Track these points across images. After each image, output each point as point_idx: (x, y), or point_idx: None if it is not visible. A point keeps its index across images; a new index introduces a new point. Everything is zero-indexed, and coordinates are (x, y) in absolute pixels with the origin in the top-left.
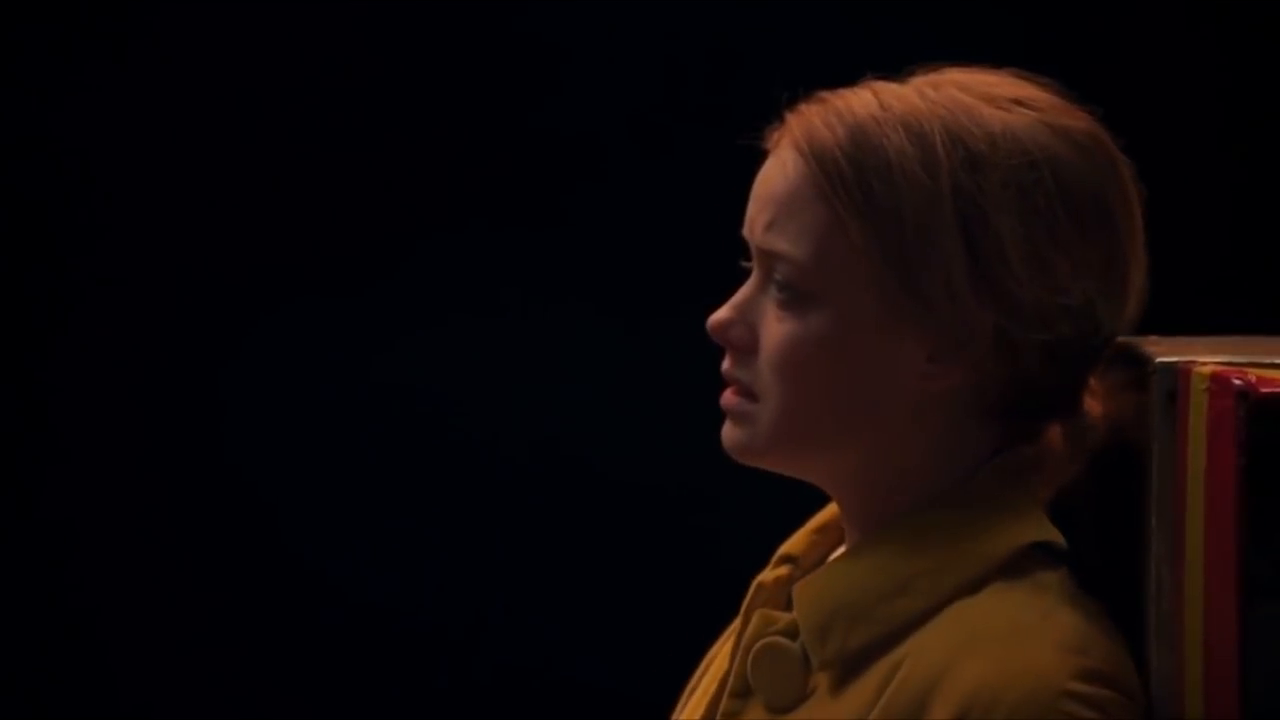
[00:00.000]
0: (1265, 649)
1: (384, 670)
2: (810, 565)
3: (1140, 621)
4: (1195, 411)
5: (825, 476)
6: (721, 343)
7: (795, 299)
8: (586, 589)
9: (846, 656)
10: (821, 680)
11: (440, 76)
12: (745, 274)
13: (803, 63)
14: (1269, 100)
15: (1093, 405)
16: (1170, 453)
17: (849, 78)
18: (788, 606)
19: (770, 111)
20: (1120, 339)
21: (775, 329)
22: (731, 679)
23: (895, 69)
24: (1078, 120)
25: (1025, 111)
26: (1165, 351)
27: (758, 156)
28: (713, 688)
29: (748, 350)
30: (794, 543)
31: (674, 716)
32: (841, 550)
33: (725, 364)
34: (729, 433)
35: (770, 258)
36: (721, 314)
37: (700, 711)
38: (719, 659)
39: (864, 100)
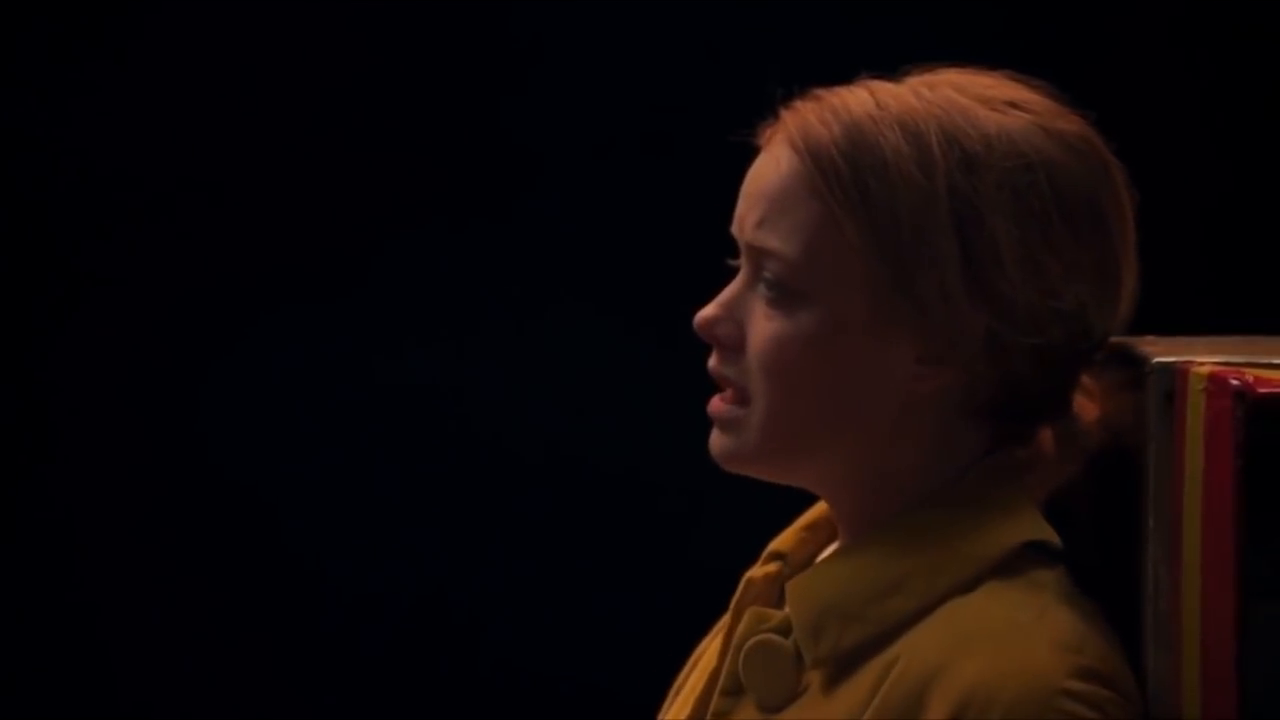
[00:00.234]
0: (1263, 650)
1: (381, 668)
2: (800, 562)
3: (1138, 622)
4: (1193, 412)
5: (815, 480)
6: (708, 340)
7: (785, 297)
8: (575, 586)
9: (840, 655)
10: (814, 679)
11: (432, 76)
12: (731, 272)
13: (796, 60)
14: (1263, 101)
15: (1087, 406)
16: (1168, 453)
17: (842, 76)
18: (778, 603)
19: (762, 108)
20: (1117, 339)
21: (763, 327)
22: (723, 677)
23: (889, 68)
24: (1072, 124)
25: (1020, 114)
26: (1162, 351)
27: (747, 153)
28: (701, 685)
29: (735, 348)
30: (784, 539)
31: (661, 714)
32: (833, 548)
33: (712, 361)
34: (717, 440)
35: (760, 255)
36: (709, 311)
37: (689, 709)
38: (707, 656)
39: (860, 98)
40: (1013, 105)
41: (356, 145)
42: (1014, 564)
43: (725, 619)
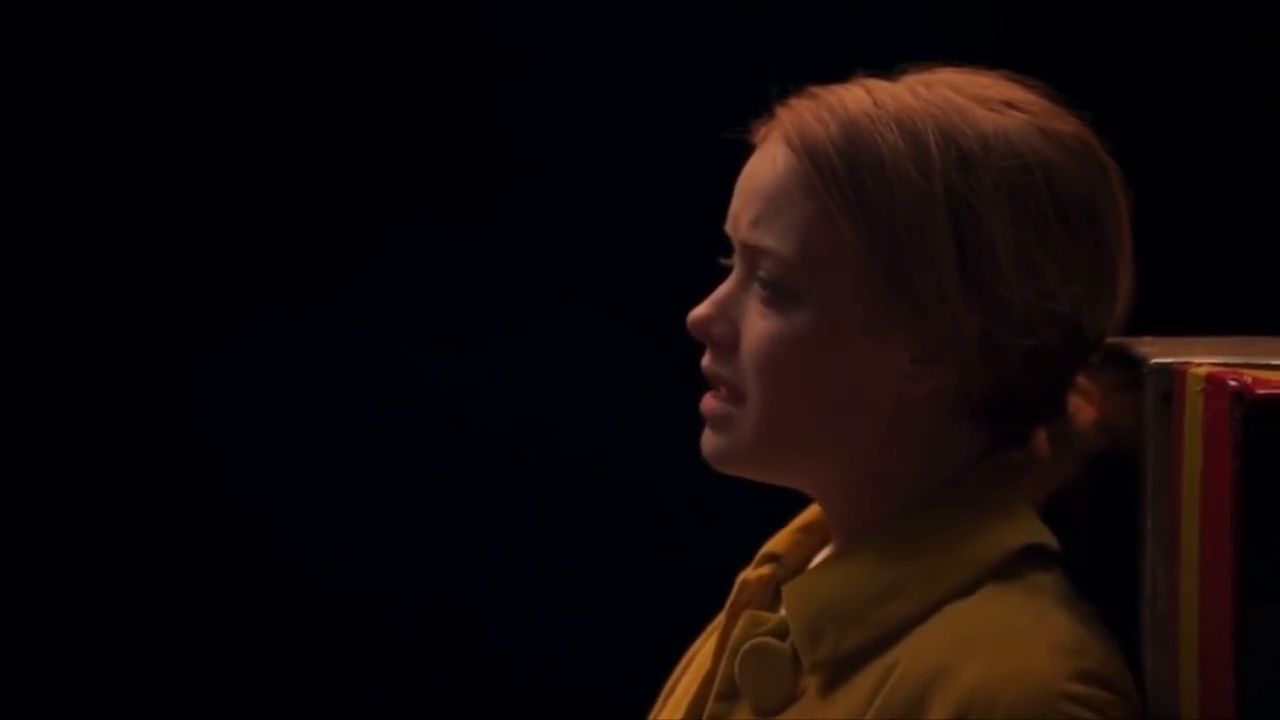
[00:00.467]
0: (1260, 652)
1: (380, 668)
2: (794, 564)
3: (1136, 624)
4: (1191, 413)
5: (809, 483)
6: (702, 339)
7: (779, 296)
8: (573, 586)
9: (839, 659)
10: (811, 682)
11: (429, 74)
12: (724, 271)
13: (791, 58)
14: (1259, 101)
15: (1083, 408)
16: (1165, 455)
17: (838, 75)
18: (772, 605)
19: (756, 106)
20: (1114, 340)
21: (758, 326)
22: (718, 681)
23: (885, 67)
24: (1068, 124)
25: (1017, 114)
26: (1160, 352)
27: (741, 152)
28: (694, 687)
29: (729, 347)
30: (778, 541)
31: (652, 716)
32: (828, 551)
33: (705, 361)
34: (709, 440)
35: (755, 254)
36: (702, 310)
37: (681, 713)
38: (699, 658)
39: (856, 97)
40: (1009, 105)
41: (354, 145)
42: (1012, 567)
43: (719, 621)
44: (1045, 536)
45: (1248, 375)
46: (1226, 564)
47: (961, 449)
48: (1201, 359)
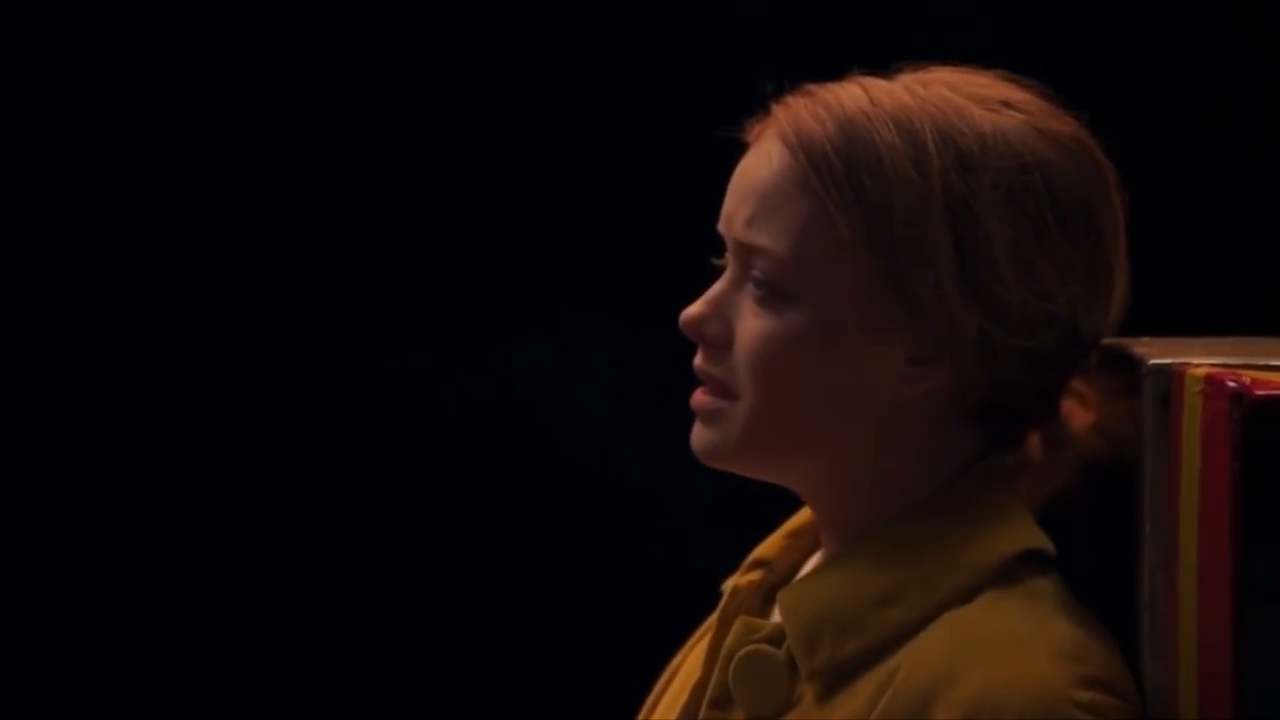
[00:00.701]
0: (1259, 655)
1: (379, 668)
2: (784, 570)
3: (1134, 628)
4: (1189, 415)
5: (799, 481)
6: (695, 339)
7: (774, 295)
8: (572, 585)
9: (836, 666)
10: (807, 690)
11: (425, 74)
12: (716, 271)
13: (785, 56)
14: (1256, 101)
15: (1077, 412)
16: (1164, 457)
17: (833, 73)
18: (762, 611)
19: (750, 104)
20: (1112, 341)
21: (752, 325)
22: (711, 688)
23: (880, 65)
24: (1066, 125)
25: (1014, 114)
26: (1158, 353)
27: (734, 150)
28: (684, 695)
29: (722, 346)
30: (767, 546)
31: None
32: (819, 556)
33: (697, 360)
34: (699, 434)
35: (749, 252)
36: (695, 309)
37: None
38: (688, 665)
39: (853, 94)
40: (1007, 105)
41: (352, 145)
42: (1011, 573)
43: (707, 626)
44: (1042, 541)
45: (1246, 376)
46: (1225, 566)
47: (955, 451)
48: (1200, 360)
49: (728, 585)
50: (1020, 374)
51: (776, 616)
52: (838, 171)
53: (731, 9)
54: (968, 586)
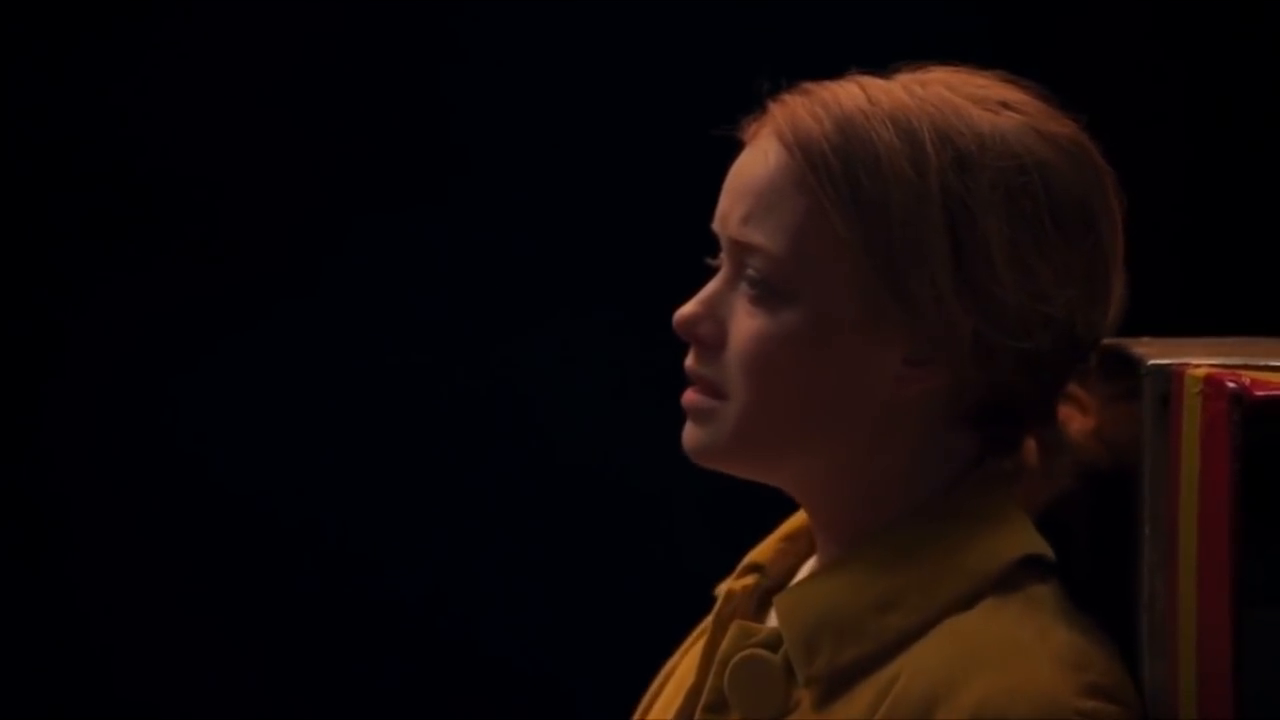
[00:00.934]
0: (1259, 656)
1: (378, 667)
2: (779, 574)
3: (1134, 630)
4: (1189, 415)
5: (793, 482)
6: (688, 339)
7: (769, 295)
8: (570, 586)
9: (835, 671)
10: (805, 696)
11: (425, 74)
12: (710, 271)
13: (782, 55)
14: (1255, 101)
15: (1074, 416)
16: (1163, 458)
17: (830, 72)
18: (757, 616)
19: (746, 102)
20: (1111, 341)
21: (746, 325)
22: (706, 692)
23: (877, 65)
24: (1064, 126)
25: (1013, 115)
26: (1158, 354)
27: (729, 149)
28: (678, 700)
29: (714, 346)
30: (762, 550)
31: None
32: (814, 561)
33: (689, 360)
34: (690, 433)
35: (744, 251)
36: (689, 309)
37: None
38: (681, 670)
39: (850, 93)
40: (1005, 106)
41: (350, 144)
42: (1011, 579)
43: (702, 631)
44: (1041, 547)
45: (1246, 376)
46: (1225, 567)
47: (951, 454)
48: (1199, 360)
49: (721, 589)
50: (1016, 375)
51: (772, 621)
52: (835, 170)
53: (730, 8)
54: (968, 592)
